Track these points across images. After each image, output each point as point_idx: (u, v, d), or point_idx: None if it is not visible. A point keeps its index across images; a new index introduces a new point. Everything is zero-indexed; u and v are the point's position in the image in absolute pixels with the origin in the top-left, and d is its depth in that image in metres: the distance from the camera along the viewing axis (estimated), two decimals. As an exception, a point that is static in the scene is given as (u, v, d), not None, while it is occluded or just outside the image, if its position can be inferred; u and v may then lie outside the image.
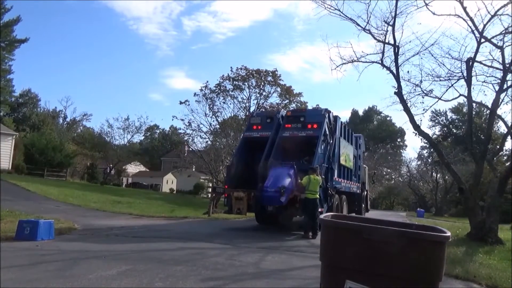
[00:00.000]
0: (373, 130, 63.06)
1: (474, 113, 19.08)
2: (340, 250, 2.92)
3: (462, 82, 11.79)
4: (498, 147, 15.74)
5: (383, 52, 12.23)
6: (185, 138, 32.18)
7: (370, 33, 12.15)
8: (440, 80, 12.30)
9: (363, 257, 2.80)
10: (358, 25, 12.16)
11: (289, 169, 9.76)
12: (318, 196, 9.73)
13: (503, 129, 20.18)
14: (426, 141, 38.13)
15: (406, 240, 2.74)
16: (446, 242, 2.78)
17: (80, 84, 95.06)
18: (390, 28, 11.81)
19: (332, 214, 3.88)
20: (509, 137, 13.16)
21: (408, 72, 13.09)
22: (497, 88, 11.33)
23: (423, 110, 12.81)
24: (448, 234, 2.81)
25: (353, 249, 2.85)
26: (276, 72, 29.61)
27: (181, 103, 28.41)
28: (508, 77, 11.27)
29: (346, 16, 12.22)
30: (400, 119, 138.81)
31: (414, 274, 2.70)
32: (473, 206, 10.89)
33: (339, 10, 12.19)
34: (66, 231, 8.37)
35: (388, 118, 66.20)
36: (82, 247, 6.84)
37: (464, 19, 11.15)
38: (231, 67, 30.45)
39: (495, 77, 11.71)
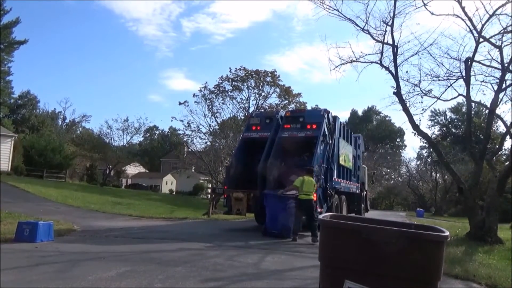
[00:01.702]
0: (372, 130, 62.97)
1: (473, 112, 19.03)
2: (340, 250, 2.93)
3: (461, 81, 11.79)
4: (497, 146, 15.70)
5: (382, 52, 12.24)
6: (185, 139, 32.22)
7: (369, 33, 12.16)
8: (439, 80, 12.30)
9: (362, 257, 2.80)
10: (357, 25, 12.17)
11: (286, 203, 9.41)
12: (312, 198, 9.37)
13: (502, 128, 20.14)
14: (425, 141, 38.20)
15: (405, 240, 2.74)
16: (445, 242, 2.79)
17: (79, 86, 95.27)
18: (388, 28, 11.81)
19: (331, 214, 3.87)
20: (508, 136, 13.13)
21: (407, 72, 13.09)
22: (496, 87, 11.33)
23: (422, 110, 12.77)
24: (447, 233, 2.81)
25: (352, 249, 2.86)
26: (275, 73, 29.60)
27: (180, 104, 28.46)
28: (507, 76, 11.27)
29: (344, 16, 12.23)
30: (399, 119, 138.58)
31: (413, 273, 2.70)
32: (472, 206, 10.89)
33: (338, 10, 12.20)
34: (65, 233, 8.36)
35: (387, 118, 66.17)
36: (81, 249, 6.84)
37: (462, 19, 11.16)
38: (230, 68, 30.37)
39: (494, 77, 11.72)
